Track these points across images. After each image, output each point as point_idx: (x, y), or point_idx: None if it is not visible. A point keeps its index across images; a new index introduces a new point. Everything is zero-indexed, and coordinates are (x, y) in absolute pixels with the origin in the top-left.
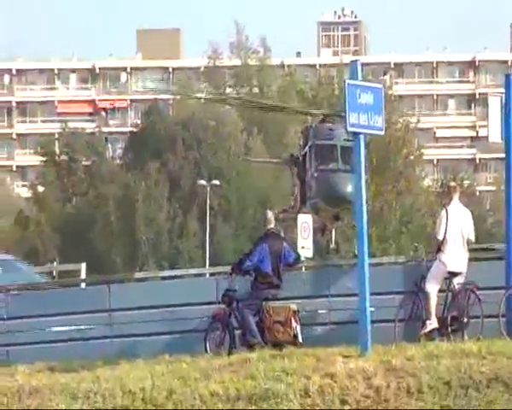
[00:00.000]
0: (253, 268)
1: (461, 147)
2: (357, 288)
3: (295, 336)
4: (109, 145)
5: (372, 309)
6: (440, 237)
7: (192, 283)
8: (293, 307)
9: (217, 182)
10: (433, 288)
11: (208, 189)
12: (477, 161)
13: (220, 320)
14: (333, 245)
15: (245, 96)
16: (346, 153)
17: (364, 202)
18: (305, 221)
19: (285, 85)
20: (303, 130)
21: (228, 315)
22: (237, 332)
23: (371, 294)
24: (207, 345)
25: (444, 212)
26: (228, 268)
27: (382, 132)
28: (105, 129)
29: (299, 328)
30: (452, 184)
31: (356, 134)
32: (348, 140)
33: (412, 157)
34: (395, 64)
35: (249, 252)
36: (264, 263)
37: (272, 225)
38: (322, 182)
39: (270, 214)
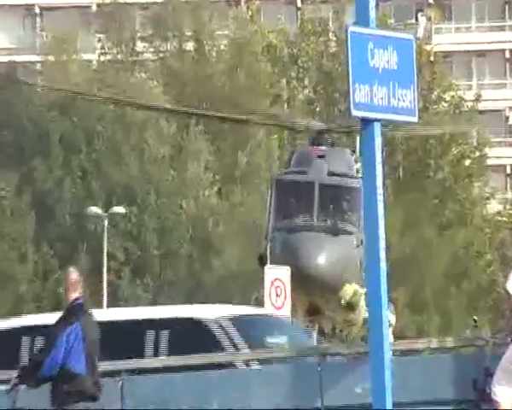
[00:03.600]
0: (59, 369)
1: None
2: (371, 393)
3: None
4: None
5: None
6: None
7: None
8: None
9: (121, 210)
10: (504, 392)
11: (106, 222)
12: None
13: None
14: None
15: (169, 59)
16: (330, 197)
17: (382, 241)
18: (278, 278)
19: (242, 38)
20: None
21: None
22: None
23: (396, 404)
24: None
25: None
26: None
27: (415, 119)
28: None
29: None
30: None
31: (366, 122)
32: (335, 175)
33: (468, 162)
34: None
35: (49, 342)
36: (74, 357)
37: (79, 293)
38: (281, 251)
39: (75, 275)
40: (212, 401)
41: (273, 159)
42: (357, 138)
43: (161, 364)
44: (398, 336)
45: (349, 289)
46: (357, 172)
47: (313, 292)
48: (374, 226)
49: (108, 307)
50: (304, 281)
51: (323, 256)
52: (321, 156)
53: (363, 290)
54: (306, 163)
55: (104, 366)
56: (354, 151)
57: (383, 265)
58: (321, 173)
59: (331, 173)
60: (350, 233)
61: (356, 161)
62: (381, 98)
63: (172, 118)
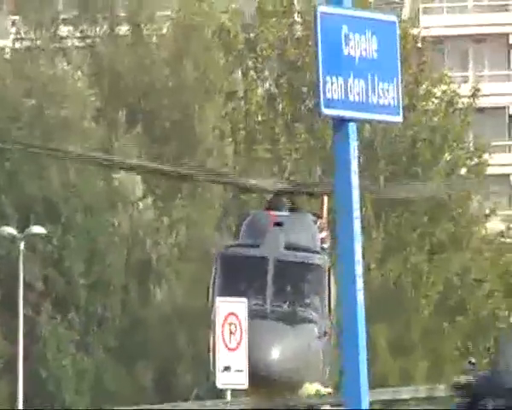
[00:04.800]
0: None
1: None
2: None
3: None
4: None
5: None
6: None
7: None
8: None
9: (40, 230)
10: None
11: (22, 245)
12: None
13: None
14: None
15: (98, 46)
16: (288, 276)
17: (359, 267)
18: (232, 313)
19: (188, 20)
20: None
21: None
22: None
23: None
24: None
25: None
26: None
27: (399, 118)
28: None
29: None
30: None
31: (339, 123)
32: (294, 248)
33: (463, 170)
34: None
35: None
36: None
37: None
38: None
39: None
40: None
41: (227, 167)
42: (325, 199)
43: None
44: (378, 383)
45: (310, 390)
46: (323, 242)
47: (267, 393)
48: (349, 249)
49: (25, 347)
50: (255, 379)
51: (278, 350)
52: (278, 224)
53: (326, 390)
54: (259, 233)
55: None
56: (319, 216)
57: (360, 296)
58: (277, 246)
59: (290, 247)
60: (311, 322)
61: (321, 229)
62: (358, 94)
63: (101, 117)
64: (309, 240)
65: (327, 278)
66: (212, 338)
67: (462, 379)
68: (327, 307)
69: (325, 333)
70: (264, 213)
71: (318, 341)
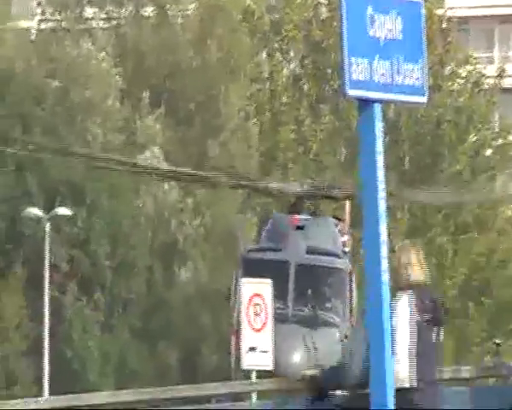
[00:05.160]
0: None
1: None
2: None
3: None
4: None
5: None
6: None
7: None
8: None
9: (66, 211)
10: None
11: (48, 226)
12: None
13: None
14: None
15: (124, 27)
16: (309, 279)
17: (384, 248)
18: (257, 294)
19: (213, 1)
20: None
21: None
22: None
23: None
24: None
25: None
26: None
27: (424, 98)
28: None
29: None
30: None
31: (364, 103)
32: (315, 252)
33: (489, 151)
34: None
35: None
36: None
37: None
38: None
39: None
40: None
41: (252, 149)
42: (347, 203)
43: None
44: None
45: None
46: (345, 246)
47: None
48: (374, 230)
49: (51, 327)
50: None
51: (299, 354)
52: (299, 227)
53: None
54: (281, 237)
55: None
56: (340, 219)
57: (385, 277)
58: (298, 250)
59: (311, 250)
60: (333, 325)
61: (343, 233)
62: (383, 74)
63: (125, 98)
64: (330, 244)
65: (348, 281)
66: (233, 341)
67: (309, 372)
68: (348, 310)
69: (347, 336)
70: (285, 216)
71: (339, 345)
